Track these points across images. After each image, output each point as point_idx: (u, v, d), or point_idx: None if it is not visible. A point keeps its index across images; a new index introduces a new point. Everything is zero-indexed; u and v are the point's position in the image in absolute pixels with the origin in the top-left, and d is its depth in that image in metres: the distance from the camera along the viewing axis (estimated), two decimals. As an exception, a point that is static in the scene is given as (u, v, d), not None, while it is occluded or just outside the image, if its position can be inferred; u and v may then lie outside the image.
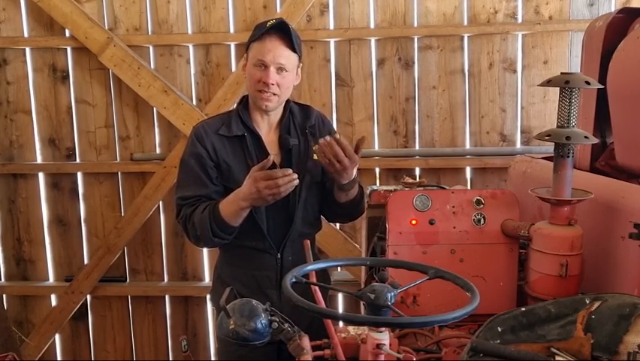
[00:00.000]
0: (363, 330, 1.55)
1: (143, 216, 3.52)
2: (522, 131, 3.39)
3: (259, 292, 2.10)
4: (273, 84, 2.03)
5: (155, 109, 3.48)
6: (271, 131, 2.17)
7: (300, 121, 2.20)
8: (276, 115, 2.17)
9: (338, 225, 3.44)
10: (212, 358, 3.73)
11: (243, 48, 3.31)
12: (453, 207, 1.94)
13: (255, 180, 1.92)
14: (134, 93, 3.43)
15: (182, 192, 2.12)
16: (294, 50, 2.07)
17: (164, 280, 3.71)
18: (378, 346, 1.29)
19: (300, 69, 2.17)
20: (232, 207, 2.01)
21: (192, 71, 3.49)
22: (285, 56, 2.05)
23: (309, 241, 1.94)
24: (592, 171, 2.24)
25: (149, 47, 3.47)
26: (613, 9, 3.12)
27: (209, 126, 2.14)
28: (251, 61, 2.08)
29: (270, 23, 2.05)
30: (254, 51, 2.07)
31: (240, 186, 2.04)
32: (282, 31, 2.04)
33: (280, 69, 2.04)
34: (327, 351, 1.50)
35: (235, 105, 2.22)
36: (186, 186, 2.12)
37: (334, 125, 2.41)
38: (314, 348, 1.49)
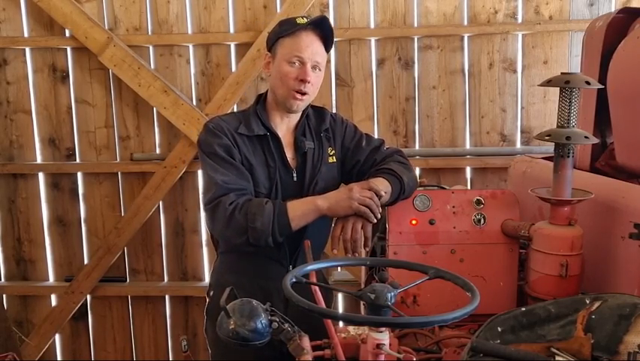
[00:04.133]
0: (363, 330, 1.55)
1: (143, 216, 3.52)
2: (522, 131, 3.39)
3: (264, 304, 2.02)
4: (309, 82, 1.92)
5: (155, 109, 3.48)
6: (288, 133, 2.07)
7: (315, 124, 2.10)
8: (296, 118, 2.07)
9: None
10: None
11: (243, 48, 3.38)
12: (453, 207, 1.94)
13: (351, 186, 1.88)
14: (134, 93, 3.43)
15: (223, 177, 1.89)
16: (327, 49, 1.98)
17: (164, 280, 3.71)
18: (378, 346, 1.29)
19: None
20: (305, 203, 1.88)
21: (192, 71, 3.49)
22: (321, 54, 1.95)
23: (309, 241, 1.94)
24: (592, 171, 2.24)
25: (149, 47, 3.47)
26: (613, 9, 3.12)
27: (226, 123, 1.99)
28: (283, 57, 1.93)
29: (302, 20, 1.92)
30: (286, 47, 1.93)
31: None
32: (319, 27, 1.93)
33: (315, 67, 1.94)
34: (327, 351, 1.50)
35: (252, 104, 2.08)
36: (224, 171, 1.90)
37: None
38: (314, 348, 1.49)
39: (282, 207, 1.86)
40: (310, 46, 1.91)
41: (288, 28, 1.93)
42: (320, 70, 1.97)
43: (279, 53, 1.95)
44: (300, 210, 1.87)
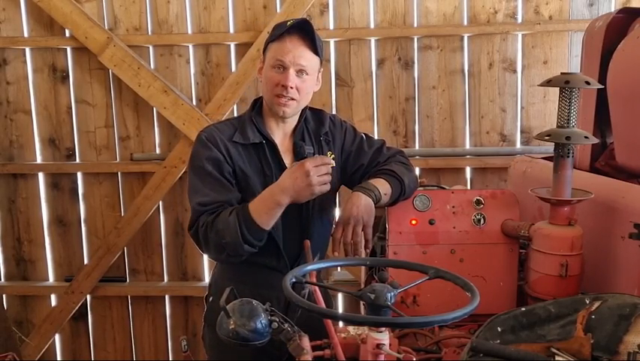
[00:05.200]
0: (363, 330, 1.55)
1: (143, 216, 3.52)
2: (522, 131, 3.39)
3: None
4: (292, 87, 1.88)
5: (155, 109, 3.48)
6: (286, 138, 2.03)
7: (314, 128, 2.06)
8: (292, 122, 2.02)
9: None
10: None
11: (243, 48, 3.38)
12: (453, 207, 1.94)
13: (301, 165, 1.78)
14: (134, 93, 3.43)
15: (200, 198, 1.88)
16: (315, 53, 1.91)
17: (164, 280, 3.71)
18: (378, 346, 1.29)
19: (320, 74, 2.01)
20: (266, 204, 1.80)
21: (192, 71, 3.49)
22: (306, 58, 1.89)
23: (309, 241, 1.94)
24: (592, 171, 2.24)
25: (149, 47, 3.47)
26: (613, 9, 3.12)
27: (220, 131, 1.96)
28: (268, 62, 1.92)
29: (290, 22, 1.89)
30: (272, 52, 1.91)
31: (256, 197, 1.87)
32: (303, 31, 1.88)
33: (300, 72, 1.89)
34: (327, 351, 1.50)
35: (248, 110, 2.05)
36: (204, 191, 1.89)
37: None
38: (314, 348, 1.49)
39: (245, 213, 1.81)
40: (293, 50, 1.87)
41: (276, 32, 1.91)
42: (307, 74, 1.91)
43: (267, 58, 1.94)
44: (264, 212, 1.81)
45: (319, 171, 1.78)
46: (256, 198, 1.84)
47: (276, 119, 2.00)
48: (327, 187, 1.82)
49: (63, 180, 3.63)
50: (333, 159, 2.05)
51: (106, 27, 3.40)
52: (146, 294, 3.69)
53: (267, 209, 1.81)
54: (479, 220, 1.93)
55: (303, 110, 2.03)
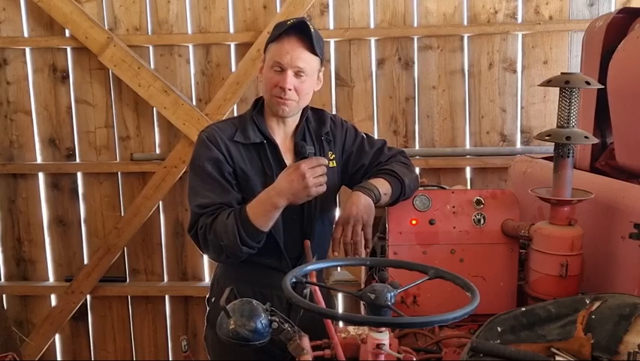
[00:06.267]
0: (363, 330, 1.55)
1: (143, 216, 3.52)
2: (522, 131, 3.39)
3: None
4: (290, 89, 1.87)
5: (155, 109, 3.48)
6: (287, 138, 2.02)
7: (315, 127, 2.05)
8: (293, 122, 2.02)
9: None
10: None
11: (243, 48, 3.39)
12: (453, 207, 1.95)
13: (297, 167, 1.77)
14: (134, 93, 3.43)
15: (200, 200, 1.89)
16: (314, 53, 1.90)
17: (164, 280, 3.71)
18: (378, 346, 1.29)
19: (321, 73, 2.00)
20: (264, 207, 1.80)
21: (192, 71, 3.49)
22: (305, 59, 1.88)
23: (309, 241, 1.94)
24: (592, 171, 2.24)
25: (149, 47, 3.47)
26: (613, 9, 3.12)
27: (221, 131, 1.95)
28: (267, 63, 1.92)
29: (289, 22, 1.88)
30: (271, 53, 1.91)
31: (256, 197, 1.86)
32: (301, 31, 1.87)
33: (299, 73, 1.88)
34: (327, 351, 1.50)
35: (249, 110, 2.05)
36: (204, 193, 1.89)
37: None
38: (314, 348, 1.49)
39: (244, 215, 1.81)
40: (290, 52, 1.86)
41: (275, 33, 1.90)
42: (306, 75, 1.90)
43: (267, 59, 1.94)
44: (261, 215, 1.81)
45: (315, 172, 1.77)
46: (253, 201, 1.83)
47: (277, 118, 1.99)
48: (324, 188, 1.82)
49: (63, 180, 3.63)
50: (333, 159, 2.05)
51: (106, 27, 3.40)
52: (146, 294, 3.69)
53: (264, 211, 1.81)
54: (479, 220, 1.93)
55: (304, 110, 2.03)
